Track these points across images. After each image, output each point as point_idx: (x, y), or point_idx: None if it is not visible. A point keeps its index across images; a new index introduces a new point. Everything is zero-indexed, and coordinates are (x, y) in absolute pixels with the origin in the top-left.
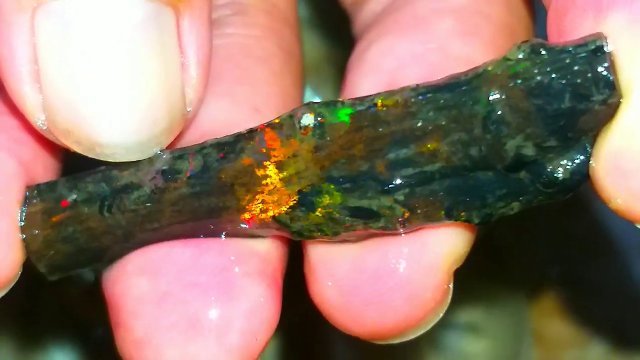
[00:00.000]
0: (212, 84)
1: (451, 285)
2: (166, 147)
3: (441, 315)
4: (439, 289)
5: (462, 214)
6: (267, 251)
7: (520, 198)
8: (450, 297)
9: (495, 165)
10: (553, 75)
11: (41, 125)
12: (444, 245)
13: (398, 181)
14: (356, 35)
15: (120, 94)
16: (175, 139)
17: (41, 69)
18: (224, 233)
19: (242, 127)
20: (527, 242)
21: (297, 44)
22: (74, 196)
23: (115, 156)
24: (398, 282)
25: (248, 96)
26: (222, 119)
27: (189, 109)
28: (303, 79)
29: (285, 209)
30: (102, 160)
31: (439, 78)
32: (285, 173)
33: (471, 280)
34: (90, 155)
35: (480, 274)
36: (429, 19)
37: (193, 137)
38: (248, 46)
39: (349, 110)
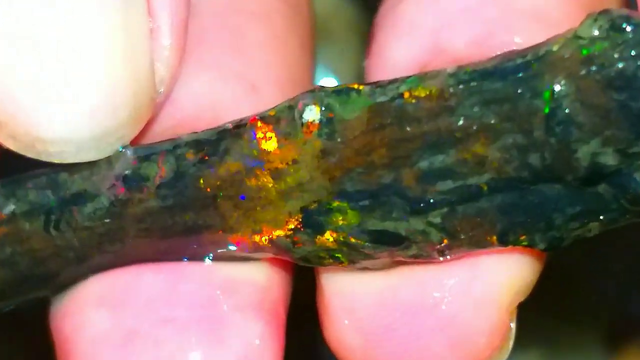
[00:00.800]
0: (194, 51)
1: (514, 325)
2: (130, 143)
3: None
4: (496, 330)
5: (522, 237)
6: (265, 276)
7: (601, 217)
8: (512, 340)
9: (563, 176)
10: None
11: None
12: (503, 272)
13: (433, 198)
14: None
15: (67, 71)
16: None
17: None
18: (209, 256)
19: (234, 111)
20: (605, 268)
21: None
22: (12, 207)
23: (63, 156)
24: (441, 322)
25: (241, 68)
26: (207, 99)
27: (160, 90)
28: (313, 43)
29: (285, 232)
30: (45, 162)
31: (495, 46)
32: (283, 184)
33: (533, 316)
34: (30, 155)
35: (544, 308)
36: None
37: (166, 125)
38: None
39: (366, 102)
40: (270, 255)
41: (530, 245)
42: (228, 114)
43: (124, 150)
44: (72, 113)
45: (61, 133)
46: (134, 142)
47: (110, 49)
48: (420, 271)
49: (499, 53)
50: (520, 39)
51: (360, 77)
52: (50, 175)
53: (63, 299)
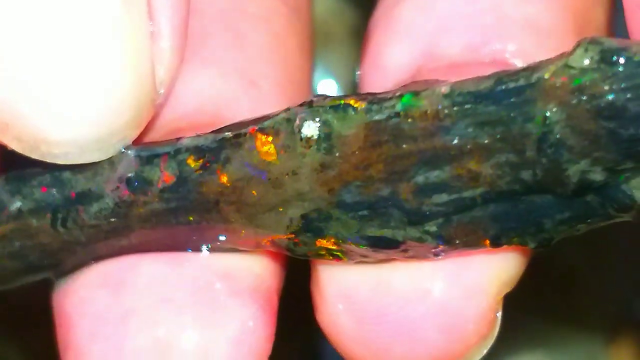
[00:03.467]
0: (196, 50)
1: (499, 315)
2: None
3: (485, 351)
4: (484, 318)
5: (514, 239)
6: (260, 265)
7: (588, 220)
8: (497, 329)
9: (554, 189)
10: (630, 96)
11: None
12: (491, 264)
13: (429, 210)
14: None
15: (70, 74)
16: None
17: None
18: (207, 246)
19: (235, 107)
20: (604, 269)
21: None
22: (18, 204)
23: (68, 157)
24: (432, 308)
25: (241, 65)
26: (208, 94)
27: (160, 92)
28: (312, 43)
29: (287, 235)
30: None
31: (489, 53)
32: (283, 193)
33: (533, 317)
34: (34, 156)
35: (544, 309)
36: None
37: (169, 118)
38: (243, 1)
39: (363, 119)
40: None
41: (522, 244)
42: (228, 108)
43: (125, 151)
44: (76, 115)
45: (65, 135)
46: (137, 139)
47: (112, 51)
48: (414, 262)
49: (491, 73)
50: (513, 46)
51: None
52: (54, 173)
53: (66, 280)
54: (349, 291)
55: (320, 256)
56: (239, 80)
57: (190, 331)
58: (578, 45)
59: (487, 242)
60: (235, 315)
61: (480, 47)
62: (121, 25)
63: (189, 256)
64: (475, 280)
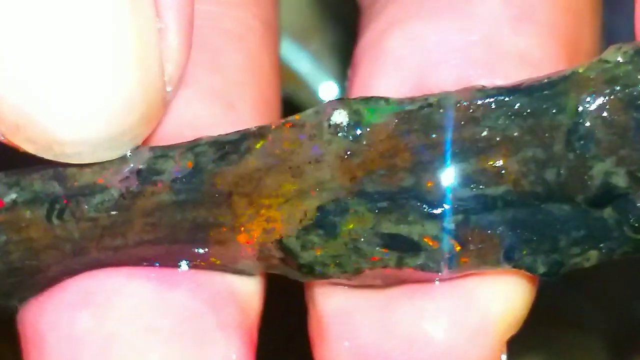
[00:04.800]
0: None
1: (504, 358)
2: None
3: None
4: None
5: (525, 259)
6: (248, 294)
7: (601, 245)
8: None
9: (574, 196)
10: None
11: None
12: (498, 302)
13: (450, 203)
14: (364, 5)
15: (81, 73)
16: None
17: None
18: (192, 255)
19: (213, 129)
20: (604, 269)
21: (274, 9)
22: (14, 195)
23: (81, 156)
24: (436, 352)
25: (219, 87)
26: (187, 117)
27: (168, 89)
28: (278, 57)
29: (297, 231)
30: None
31: (483, 80)
32: (303, 183)
33: (533, 324)
34: (47, 157)
35: (544, 316)
36: None
37: (146, 141)
38: (218, 17)
39: (394, 109)
40: (266, 268)
41: (530, 269)
42: (206, 132)
43: (137, 150)
44: (87, 114)
45: (77, 134)
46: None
47: (121, 50)
48: (419, 294)
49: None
50: (504, 80)
51: None
52: (57, 169)
53: (38, 297)
54: (350, 331)
55: (325, 268)
56: (217, 102)
57: None
58: (611, 47)
59: (500, 255)
60: (220, 350)
61: (471, 81)
62: (129, 23)
63: (179, 278)
64: (480, 323)
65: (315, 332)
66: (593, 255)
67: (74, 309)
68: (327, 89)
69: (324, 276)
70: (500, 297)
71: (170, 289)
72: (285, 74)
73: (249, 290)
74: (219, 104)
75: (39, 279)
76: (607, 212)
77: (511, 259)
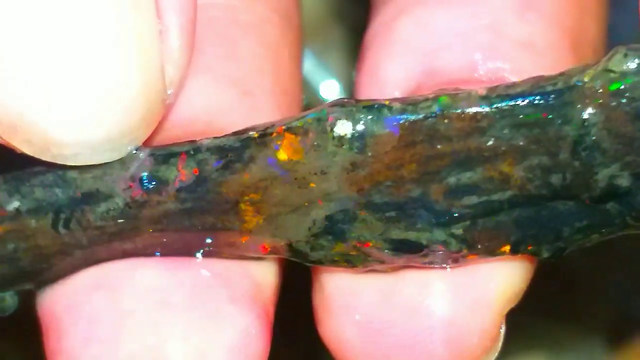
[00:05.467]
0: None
1: (503, 330)
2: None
3: None
4: (487, 333)
5: (530, 247)
6: (261, 274)
7: (603, 230)
8: (500, 344)
9: (579, 195)
10: None
11: None
12: (497, 279)
13: (458, 212)
14: None
15: (81, 74)
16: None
17: None
18: (203, 251)
19: (229, 116)
20: (605, 269)
21: (295, 5)
22: (16, 204)
23: (79, 158)
24: (437, 322)
25: (234, 74)
26: (201, 103)
27: (169, 91)
28: (302, 51)
29: (307, 237)
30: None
31: (486, 72)
32: (310, 194)
33: (534, 317)
34: (45, 158)
35: (546, 309)
36: None
37: (160, 128)
38: (235, 10)
39: (399, 118)
40: (276, 256)
41: (534, 254)
42: (222, 118)
43: (137, 151)
44: (86, 116)
45: (76, 136)
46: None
47: (121, 51)
48: (422, 271)
49: (527, 78)
50: (509, 66)
51: None
52: (57, 172)
53: (55, 285)
54: (355, 303)
55: (334, 262)
56: (232, 89)
57: (187, 337)
58: (615, 52)
59: (507, 249)
60: (234, 322)
61: (478, 65)
62: (130, 24)
63: (188, 261)
64: (481, 296)
65: (318, 305)
66: (594, 237)
67: (89, 291)
68: (329, 87)
69: (333, 266)
70: (501, 272)
71: (180, 268)
72: None
73: (261, 267)
74: (235, 91)
75: (51, 275)
76: (610, 205)
77: (517, 251)
